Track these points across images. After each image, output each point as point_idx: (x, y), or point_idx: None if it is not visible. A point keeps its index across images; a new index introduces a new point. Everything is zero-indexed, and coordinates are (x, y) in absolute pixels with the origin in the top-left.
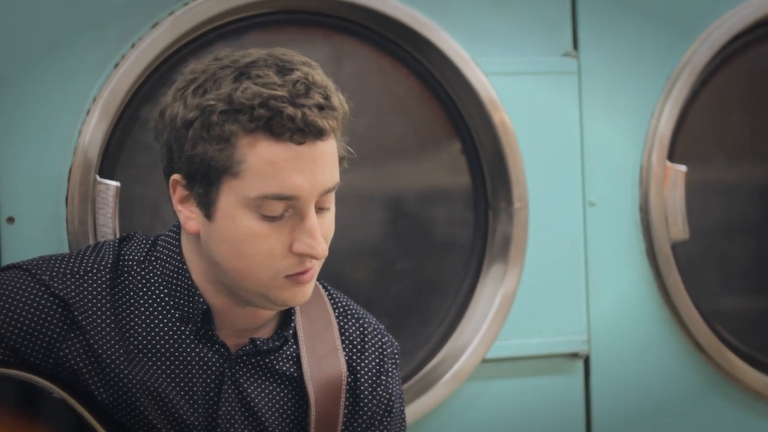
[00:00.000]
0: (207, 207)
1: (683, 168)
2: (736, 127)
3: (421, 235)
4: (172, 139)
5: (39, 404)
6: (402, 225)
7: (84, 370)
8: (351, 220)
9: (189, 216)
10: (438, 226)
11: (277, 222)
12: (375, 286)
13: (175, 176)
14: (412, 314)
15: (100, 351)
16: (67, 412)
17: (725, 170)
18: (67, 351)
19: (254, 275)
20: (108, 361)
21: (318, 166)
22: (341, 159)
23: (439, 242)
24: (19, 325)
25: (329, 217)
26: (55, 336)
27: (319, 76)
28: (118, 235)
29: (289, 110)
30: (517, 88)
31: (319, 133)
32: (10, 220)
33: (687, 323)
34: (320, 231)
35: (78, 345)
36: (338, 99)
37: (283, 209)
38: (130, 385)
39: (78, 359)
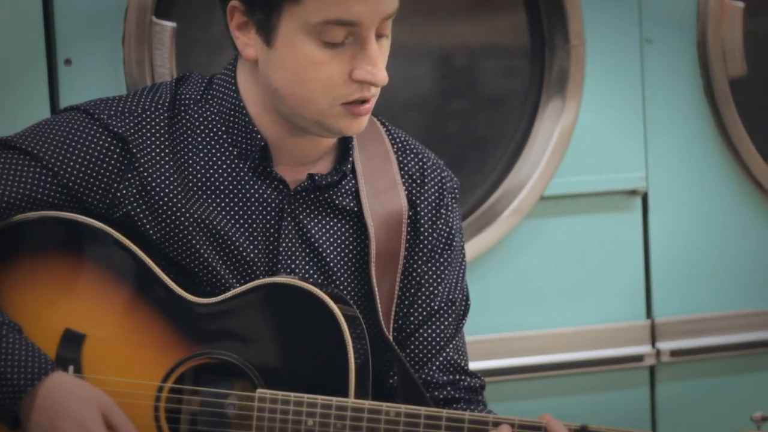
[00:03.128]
0: (267, 33)
1: (741, 4)
2: None
3: (477, 73)
4: None
5: (92, 247)
6: (458, 66)
7: (139, 210)
8: (408, 51)
9: (247, 42)
10: (495, 61)
11: (338, 49)
12: (432, 126)
13: (234, 2)
14: (471, 151)
15: (157, 189)
16: (122, 254)
17: None
18: (124, 191)
19: (312, 102)
20: (165, 198)
21: None
22: None
23: (496, 79)
24: (77, 165)
25: (387, 45)
26: (113, 176)
27: None
28: (174, 76)
29: None
30: None
31: None
32: (68, 62)
33: (745, 160)
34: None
35: (135, 184)
36: None
37: (344, 36)
38: (186, 223)
39: (133, 199)
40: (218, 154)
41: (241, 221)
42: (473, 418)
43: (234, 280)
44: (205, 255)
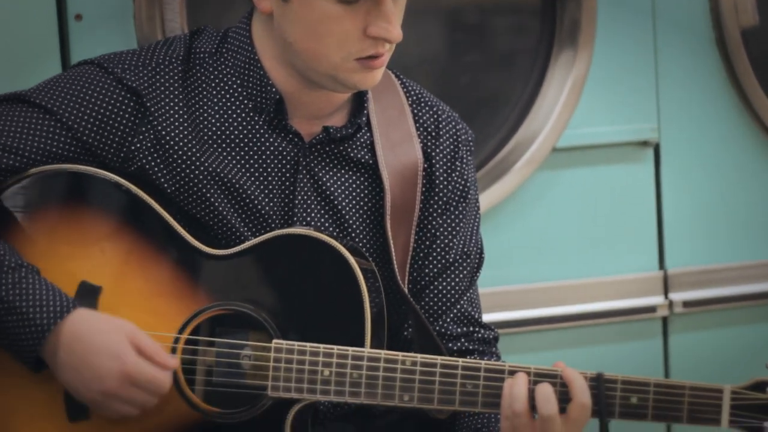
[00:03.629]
0: None
1: None
2: None
3: (488, 24)
4: None
5: (108, 200)
6: (468, 13)
7: (153, 163)
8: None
9: None
10: (506, 14)
11: (353, 5)
12: (444, 79)
13: None
14: (483, 104)
15: (172, 143)
16: (137, 207)
17: None
18: (138, 145)
19: (326, 57)
20: (180, 152)
21: None
22: None
23: (508, 33)
24: (91, 119)
25: (403, 3)
26: (127, 130)
27: None
28: (185, 31)
29: None
30: None
31: None
32: (78, 17)
33: (757, 110)
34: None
35: (149, 137)
36: None
37: None
38: (201, 176)
39: (148, 153)
40: (233, 107)
41: (256, 174)
42: (489, 366)
43: (249, 233)
44: (220, 208)
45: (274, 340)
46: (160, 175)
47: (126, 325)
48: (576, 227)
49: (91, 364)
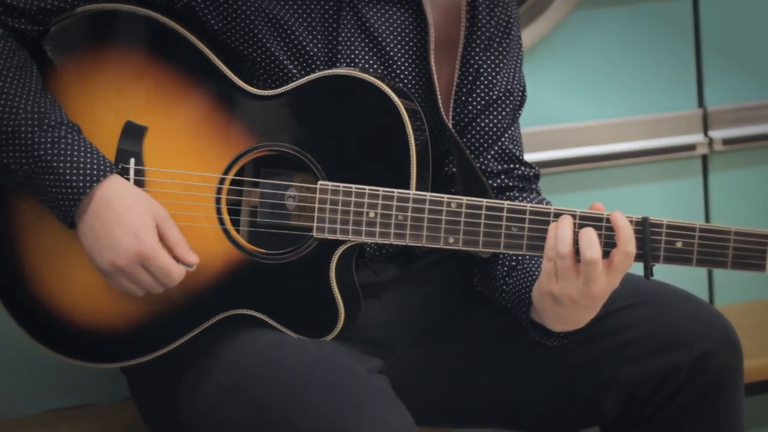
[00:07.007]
0: None
1: None
2: None
3: None
4: None
5: (153, 39)
6: None
7: (199, 0)
8: None
9: None
10: None
11: None
12: None
13: None
14: None
15: None
16: (183, 46)
17: None
18: None
19: None
20: None
21: None
22: None
23: None
24: None
25: None
26: None
27: None
28: None
29: None
30: None
31: None
32: None
33: None
34: None
35: None
36: None
37: None
38: (248, 12)
39: None
40: None
41: (300, 11)
42: (534, 209)
43: (296, 72)
44: (268, 45)
45: (320, 181)
46: (206, 11)
47: (158, 209)
48: (614, 65)
49: (111, 234)
